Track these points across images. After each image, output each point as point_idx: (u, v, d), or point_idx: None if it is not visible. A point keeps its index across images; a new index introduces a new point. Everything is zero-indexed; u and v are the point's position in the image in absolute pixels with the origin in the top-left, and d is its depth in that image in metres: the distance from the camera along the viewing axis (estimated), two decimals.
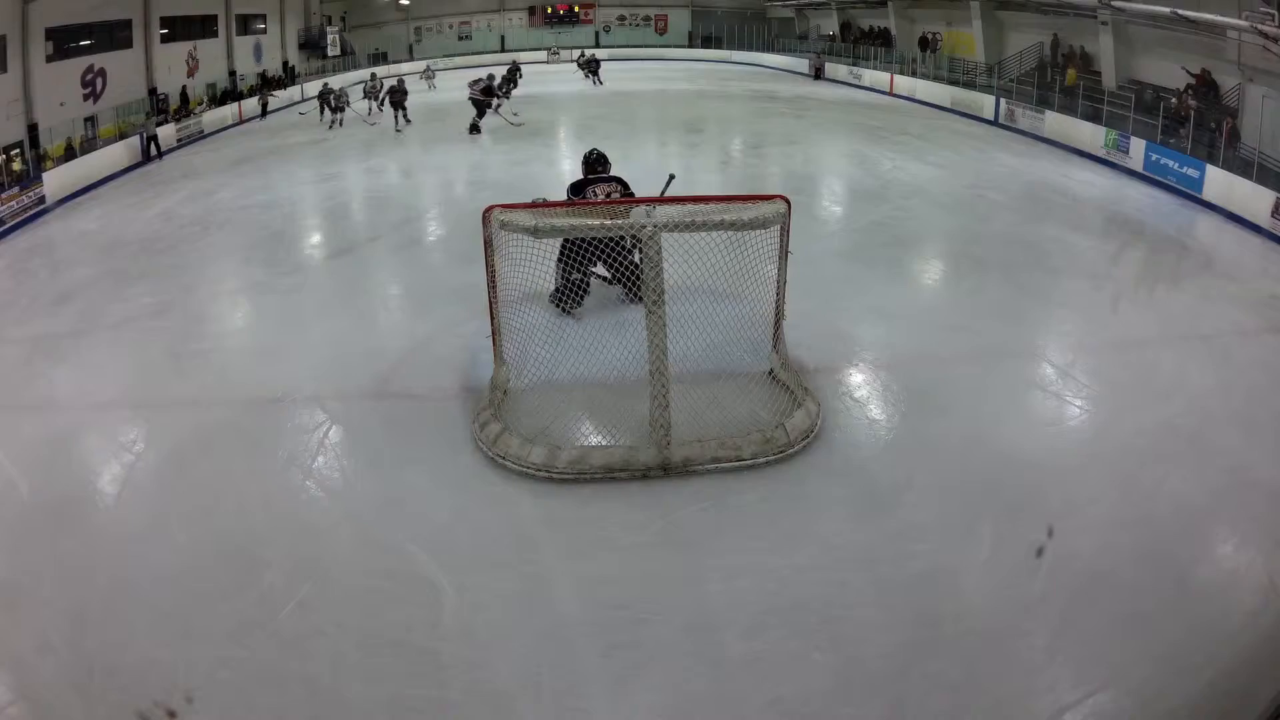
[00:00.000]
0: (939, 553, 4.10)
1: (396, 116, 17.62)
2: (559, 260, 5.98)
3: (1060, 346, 6.53)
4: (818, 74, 26.80)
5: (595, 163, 6.98)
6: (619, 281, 6.20)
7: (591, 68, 25.08)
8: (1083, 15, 16.78)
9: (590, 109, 18.30)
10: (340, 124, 18.43)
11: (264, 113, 21.73)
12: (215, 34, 22.84)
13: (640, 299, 6.12)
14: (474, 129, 16.29)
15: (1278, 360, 6.28)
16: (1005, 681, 3.36)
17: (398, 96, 17.71)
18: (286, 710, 3.30)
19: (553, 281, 6.16)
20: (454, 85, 22.99)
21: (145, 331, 7.18)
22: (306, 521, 4.47)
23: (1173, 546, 4.14)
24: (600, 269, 6.24)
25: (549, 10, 34.50)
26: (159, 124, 16.87)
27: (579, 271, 5.62)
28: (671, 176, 6.99)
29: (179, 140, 17.62)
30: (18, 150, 13.98)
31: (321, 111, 19.39)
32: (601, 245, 5.45)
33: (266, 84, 23.83)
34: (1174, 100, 13.69)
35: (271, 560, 4.10)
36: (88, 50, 17.18)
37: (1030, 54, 19.04)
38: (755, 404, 5.24)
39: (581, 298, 6.33)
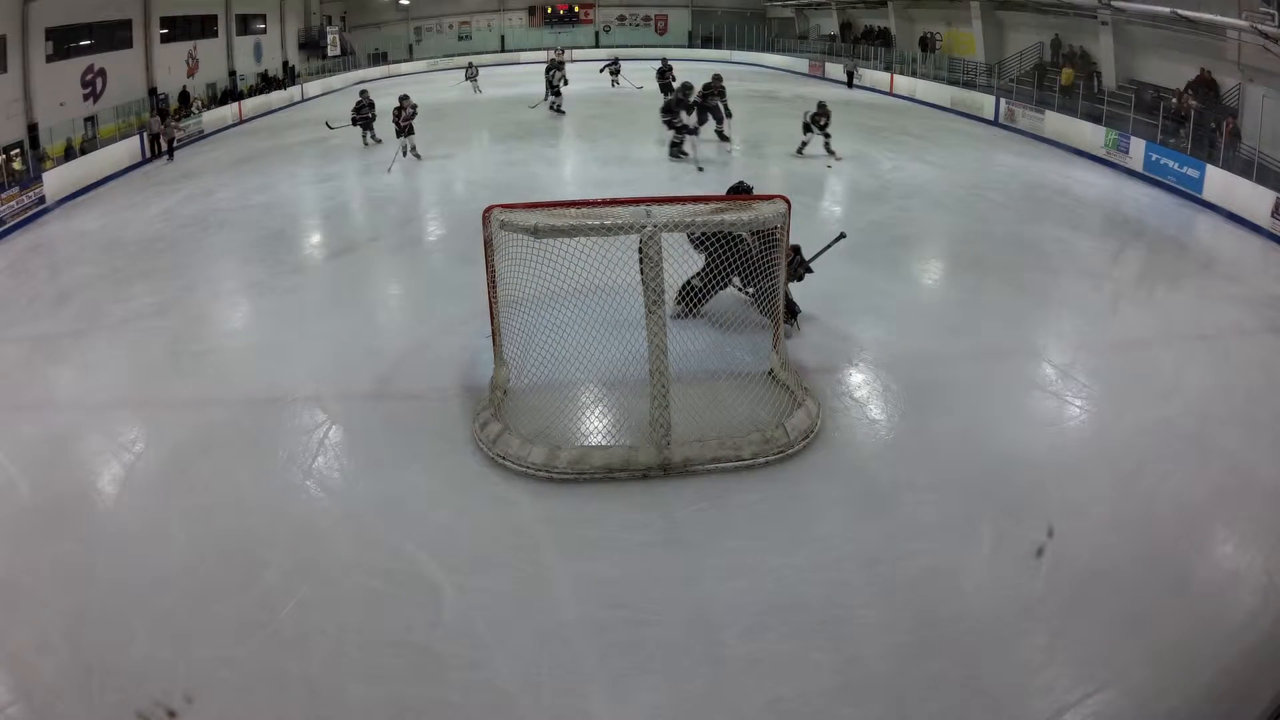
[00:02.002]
0: (939, 552, 4.10)
1: (551, 101, 18.52)
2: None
3: (1060, 346, 6.53)
4: (850, 80, 23.85)
5: (737, 194, 6.66)
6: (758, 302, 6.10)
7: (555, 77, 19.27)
8: (1083, 15, 16.78)
9: (590, 109, 18.28)
10: (372, 138, 15.12)
11: (168, 152, 16.07)
12: (215, 34, 22.84)
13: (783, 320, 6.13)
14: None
15: (1278, 360, 6.28)
16: (1005, 681, 3.36)
17: (555, 75, 18.92)
18: (286, 710, 3.30)
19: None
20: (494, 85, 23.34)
21: (145, 331, 7.18)
22: (306, 521, 4.47)
23: (1173, 546, 4.14)
24: (738, 282, 6.20)
25: (549, 10, 34.51)
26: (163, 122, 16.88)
27: (712, 281, 5.69)
28: (842, 235, 6.90)
29: (179, 140, 17.61)
30: (18, 150, 13.99)
31: (365, 130, 15.22)
32: (747, 267, 5.55)
33: (164, 112, 17.26)
34: (1174, 100, 13.70)
35: (271, 560, 4.10)
36: (88, 50, 17.18)
37: (1030, 54, 19.04)
38: (755, 404, 5.24)
39: (696, 307, 6.23)
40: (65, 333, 7.25)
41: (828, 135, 13.10)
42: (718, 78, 14.37)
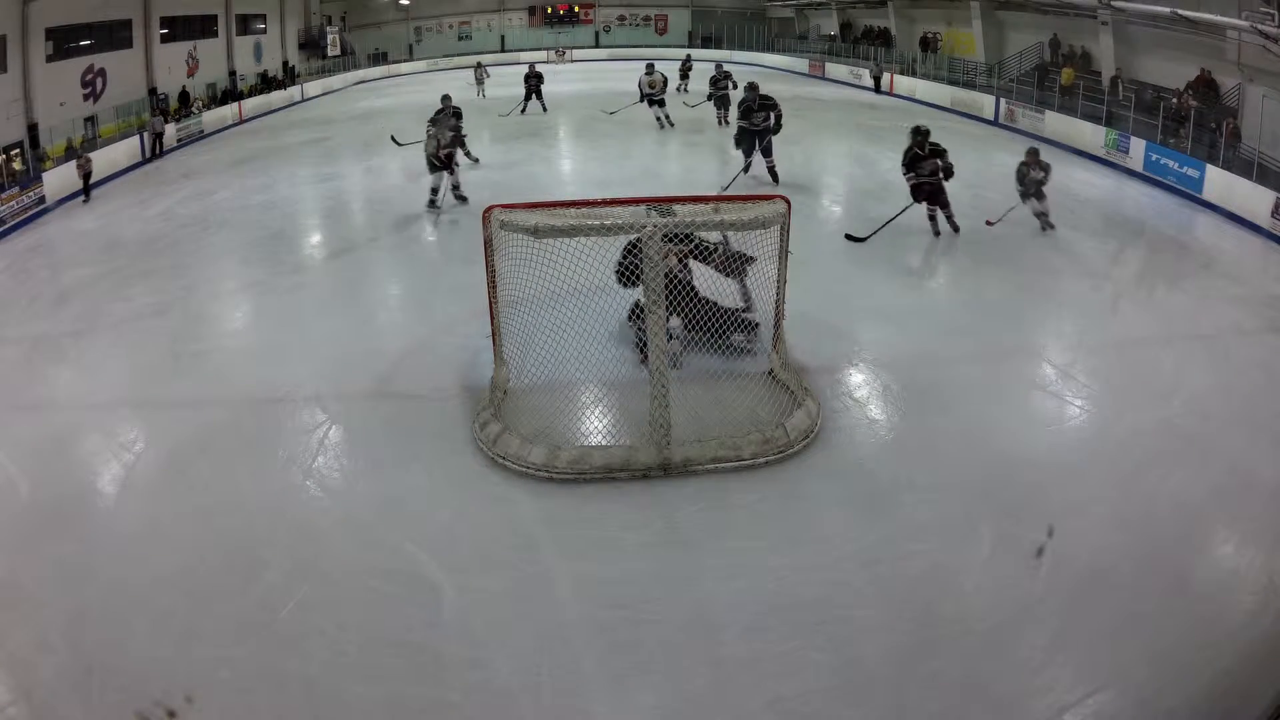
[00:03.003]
0: (939, 553, 4.10)
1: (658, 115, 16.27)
2: (631, 318, 5.93)
3: (1060, 346, 6.52)
4: (878, 84, 22.53)
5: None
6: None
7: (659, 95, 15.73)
8: (1083, 15, 16.78)
9: (590, 109, 18.26)
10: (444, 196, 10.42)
11: (85, 193, 12.59)
12: (215, 34, 22.85)
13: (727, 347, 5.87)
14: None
15: (1278, 360, 6.28)
16: (1005, 681, 3.36)
17: (534, 82, 18.11)
18: (286, 710, 3.30)
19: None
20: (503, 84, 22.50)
21: (145, 331, 7.18)
22: (306, 521, 4.47)
23: (1173, 546, 4.13)
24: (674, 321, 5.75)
25: (549, 10, 34.52)
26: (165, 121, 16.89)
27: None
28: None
29: (179, 140, 17.62)
30: (18, 150, 13.99)
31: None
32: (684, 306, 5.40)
33: (80, 152, 13.43)
34: (1174, 100, 13.70)
35: (271, 560, 4.10)
36: (88, 50, 17.18)
37: (1030, 54, 19.04)
38: (755, 404, 5.23)
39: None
40: (65, 333, 7.25)
41: (1043, 196, 9.25)
42: (754, 88, 11.53)
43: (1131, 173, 12.74)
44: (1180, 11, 13.41)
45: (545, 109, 18.69)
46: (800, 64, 27.81)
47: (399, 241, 9.68)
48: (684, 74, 20.36)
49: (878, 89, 22.75)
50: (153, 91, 19.25)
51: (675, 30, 34.90)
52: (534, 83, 18.89)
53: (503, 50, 33.59)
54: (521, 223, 4.96)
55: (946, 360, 6.18)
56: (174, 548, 4.23)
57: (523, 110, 18.35)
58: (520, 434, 4.97)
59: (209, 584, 3.95)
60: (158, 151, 16.22)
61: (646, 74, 16.02)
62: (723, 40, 32.71)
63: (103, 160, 14.57)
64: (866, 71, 23.64)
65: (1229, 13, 12.38)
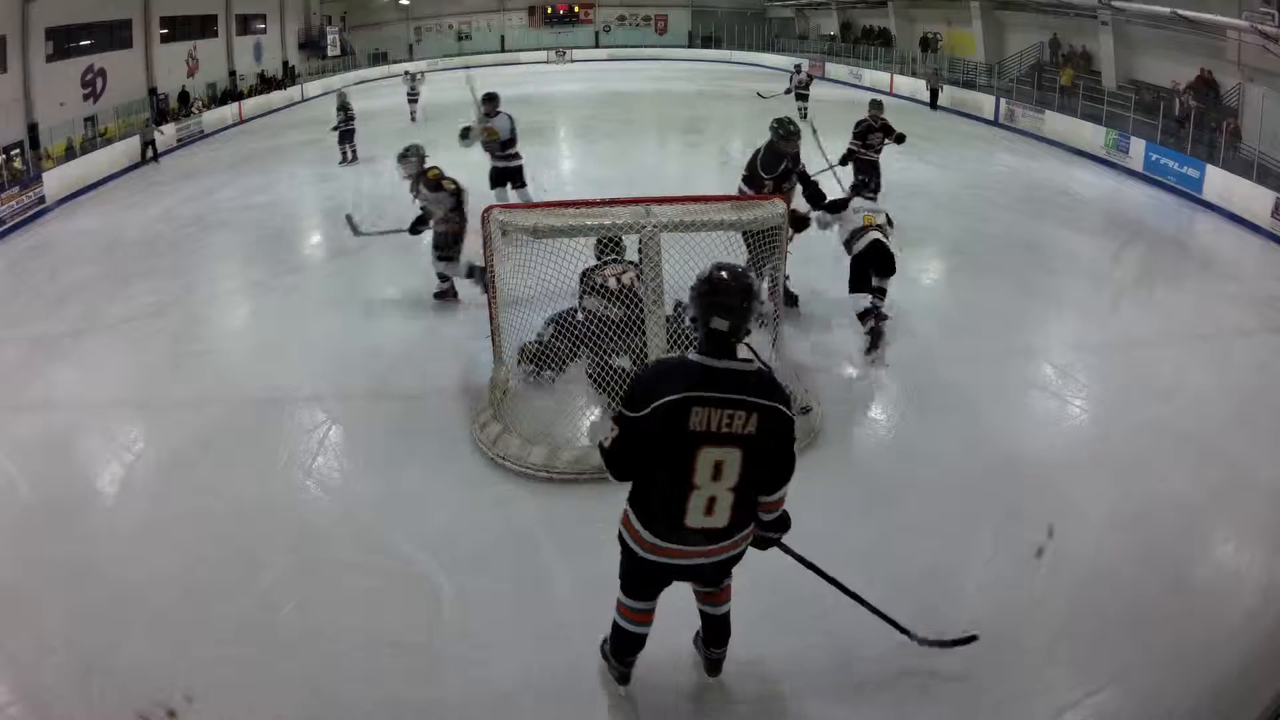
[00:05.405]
0: (939, 552, 4.09)
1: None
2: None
3: (1060, 346, 6.52)
4: (934, 100, 19.67)
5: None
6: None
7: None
8: (1083, 15, 16.80)
9: (589, 109, 18.27)
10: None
11: None
12: (215, 34, 22.89)
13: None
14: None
15: (1278, 360, 6.28)
16: (1005, 681, 3.36)
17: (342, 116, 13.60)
18: (286, 710, 3.29)
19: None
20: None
21: (145, 331, 7.18)
22: (306, 521, 4.46)
23: (1173, 546, 4.13)
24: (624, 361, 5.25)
25: (549, 10, 34.54)
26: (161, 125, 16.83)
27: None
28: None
29: (179, 140, 17.61)
30: (18, 150, 14.00)
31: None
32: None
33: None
34: (1175, 99, 13.71)
35: (271, 560, 4.10)
36: (88, 50, 17.21)
37: (1030, 54, 19.06)
38: None
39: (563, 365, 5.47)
40: (65, 333, 7.25)
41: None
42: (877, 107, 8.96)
43: (1131, 173, 12.75)
44: (1180, 11, 13.43)
45: (353, 156, 13.77)
46: (800, 64, 27.79)
47: (399, 241, 9.64)
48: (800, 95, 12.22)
49: (934, 104, 19.83)
50: (153, 92, 19.27)
51: (675, 30, 34.94)
52: (342, 117, 13.57)
53: (503, 50, 33.61)
54: (520, 223, 4.96)
55: (947, 360, 6.18)
56: (174, 548, 4.22)
57: (342, 159, 13.69)
58: (520, 434, 4.97)
59: (209, 584, 3.94)
60: (150, 157, 16.06)
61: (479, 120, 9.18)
62: (722, 40, 32.75)
63: (103, 160, 14.60)
64: (923, 82, 20.37)
65: (1229, 13, 12.39)
